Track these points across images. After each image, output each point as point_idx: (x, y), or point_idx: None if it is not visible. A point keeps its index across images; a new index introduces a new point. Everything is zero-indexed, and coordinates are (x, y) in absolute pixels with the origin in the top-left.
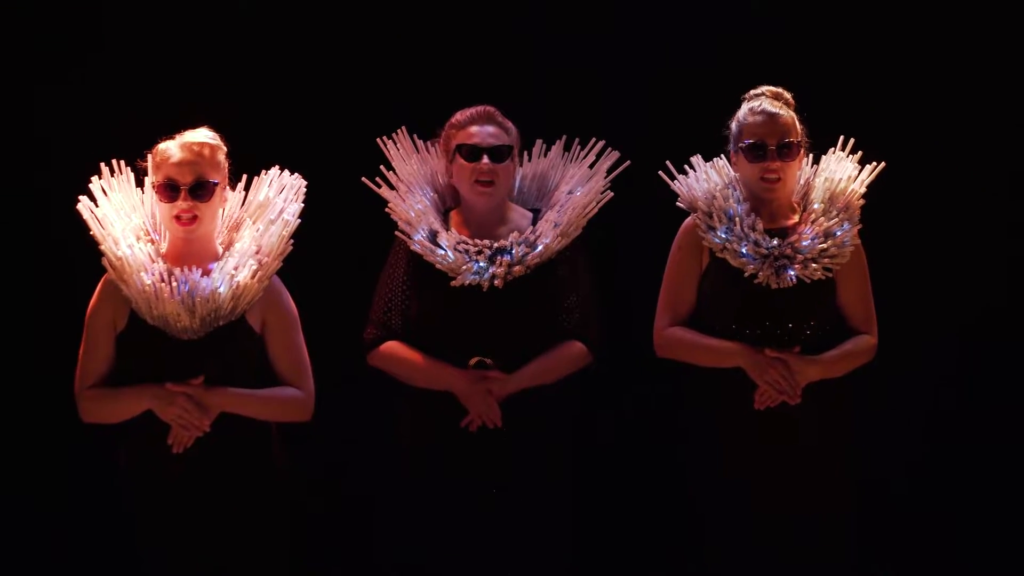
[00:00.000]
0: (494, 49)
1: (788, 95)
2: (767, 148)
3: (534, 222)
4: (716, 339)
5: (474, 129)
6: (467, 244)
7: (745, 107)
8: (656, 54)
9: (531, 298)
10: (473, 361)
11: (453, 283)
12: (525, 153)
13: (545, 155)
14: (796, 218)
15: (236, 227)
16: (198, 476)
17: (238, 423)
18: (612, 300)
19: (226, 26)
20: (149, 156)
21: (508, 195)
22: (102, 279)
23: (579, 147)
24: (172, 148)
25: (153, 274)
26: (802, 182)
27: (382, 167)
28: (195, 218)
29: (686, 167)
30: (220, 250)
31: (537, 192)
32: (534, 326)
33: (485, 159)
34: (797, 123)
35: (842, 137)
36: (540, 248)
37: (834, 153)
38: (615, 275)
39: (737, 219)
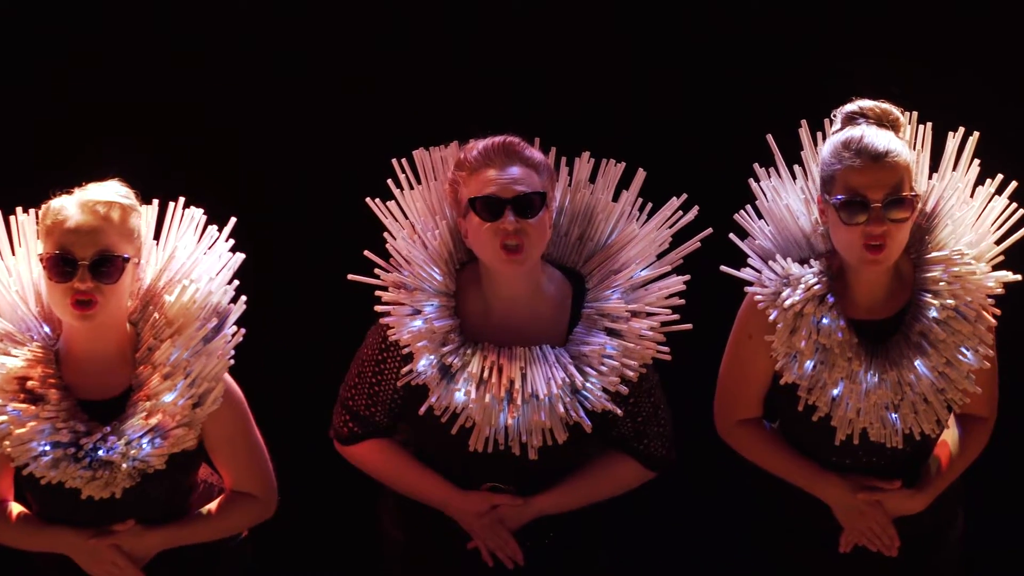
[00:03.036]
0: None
1: (896, 112)
2: (870, 206)
3: (577, 300)
4: (798, 461)
5: (491, 174)
6: (491, 382)
7: (837, 140)
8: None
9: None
10: (487, 486)
11: (470, 446)
12: (563, 163)
13: (592, 178)
14: (904, 295)
15: (152, 321)
16: None
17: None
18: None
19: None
20: (35, 216)
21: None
22: None
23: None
24: (68, 208)
25: (43, 445)
26: (919, 214)
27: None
28: (94, 303)
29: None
30: (129, 329)
31: (579, 242)
32: (569, 446)
33: (510, 215)
34: (912, 160)
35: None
36: (596, 397)
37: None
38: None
39: (827, 334)
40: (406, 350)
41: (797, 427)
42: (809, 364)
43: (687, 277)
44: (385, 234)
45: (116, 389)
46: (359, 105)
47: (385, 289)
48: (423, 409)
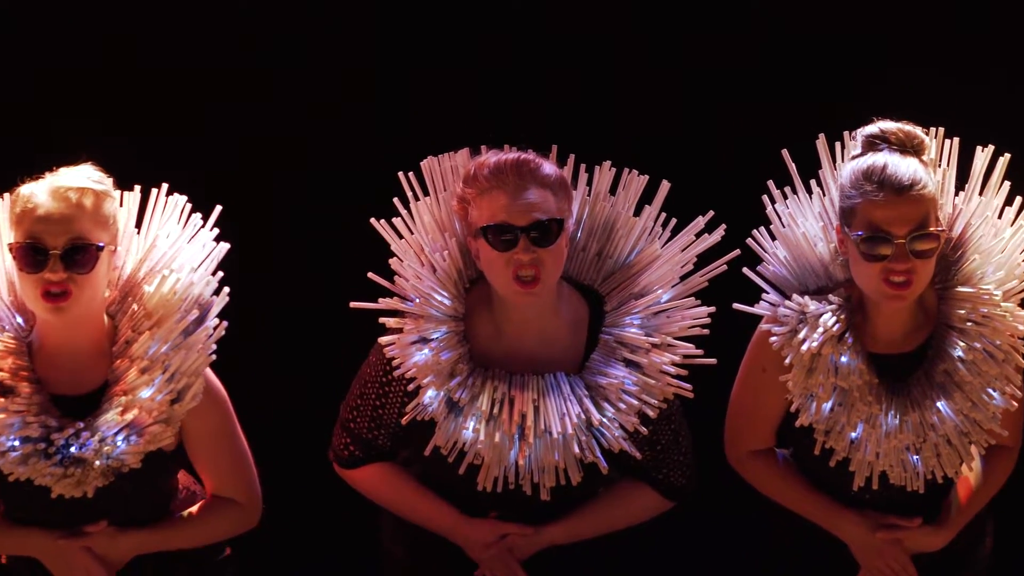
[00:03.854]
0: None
1: (920, 134)
2: (893, 242)
3: (594, 323)
4: (815, 495)
5: (503, 199)
6: (502, 419)
7: (858, 169)
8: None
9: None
10: (494, 515)
11: (479, 485)
12: (583, 170)
13: (612, 190)
14: (927, 328)
15: (130, 313)
16: None
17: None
18: None
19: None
20: (5, 203)
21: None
22: None
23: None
24: (38, 195)
25: (12, 440)
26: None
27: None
28: (67, 295)
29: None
30: (107, 326)
31: (598, 258)
32: (584, 485)
33: (524, 245)
34: (937, 190)
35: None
36: (613, 435)
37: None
38: None
39: (846, 373)
40: (411, 386)
41: (812, 462)
42: (827, 406)
43: (712, 309)
44: (392, 261)
45: (92, 384)
46: (361, 94)
47: (391, 314)
48: (428, 450)
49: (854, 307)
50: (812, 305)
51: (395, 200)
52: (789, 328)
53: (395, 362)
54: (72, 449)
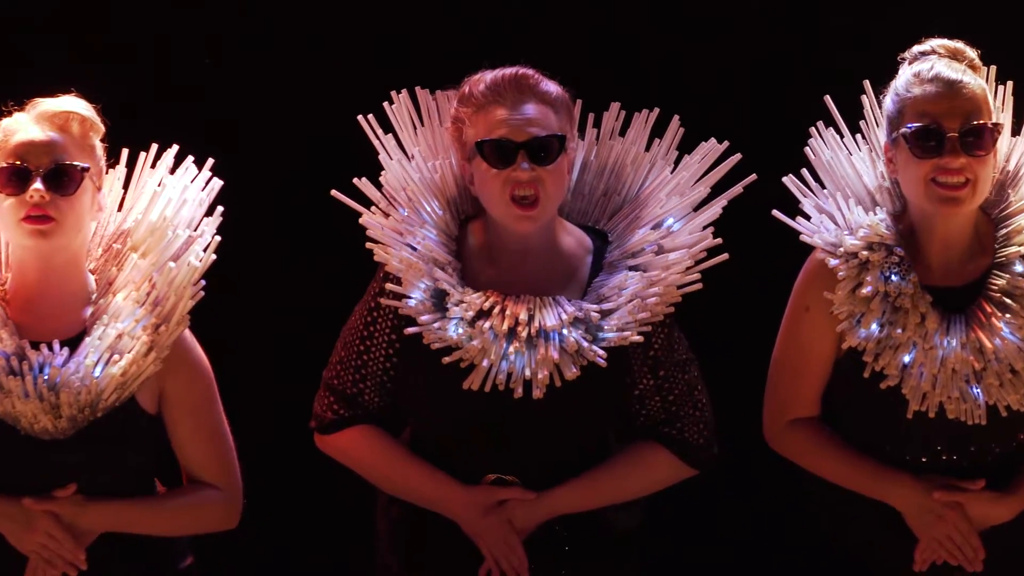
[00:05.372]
0: None
1: (972, 53)
2: (944, 135)
3: (598, 256)
4: (861, 459)
5: (501, 113)
6: (494, 314)
7: (907, 72)
8: None
9: (588, 388)
10: (491, 478)
11: (466, 384)
12: (589, 118)
13: (622, 133)
14: (986, 259)
15: (116, 259)
16: None
17: (131, 545)
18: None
19: None
20: None
21: (561, 206)
22: None
23: (680, 127)
24: (22, 120)
25: None
26: (1000, 172)
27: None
28: (49, 219)
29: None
30: (92, 283)
31: (604, 198)
32: (593, 426)
33: (523, 162)
34: (990, 97)
35: None
36: (614, 332)
37: None
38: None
39: (895, 292)
40: (402, 310)
41: (862, 420)
42: (875, 326)
43: (724, 201)
44: (382, 176)
45: (72, 331)
46: (355, 34)
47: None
48: (411, 330)
49: (905, 236)
50: (859, 213)
51: (387, 107)
52: (835, 239)
53: (377, 256)
54: (46, 371)
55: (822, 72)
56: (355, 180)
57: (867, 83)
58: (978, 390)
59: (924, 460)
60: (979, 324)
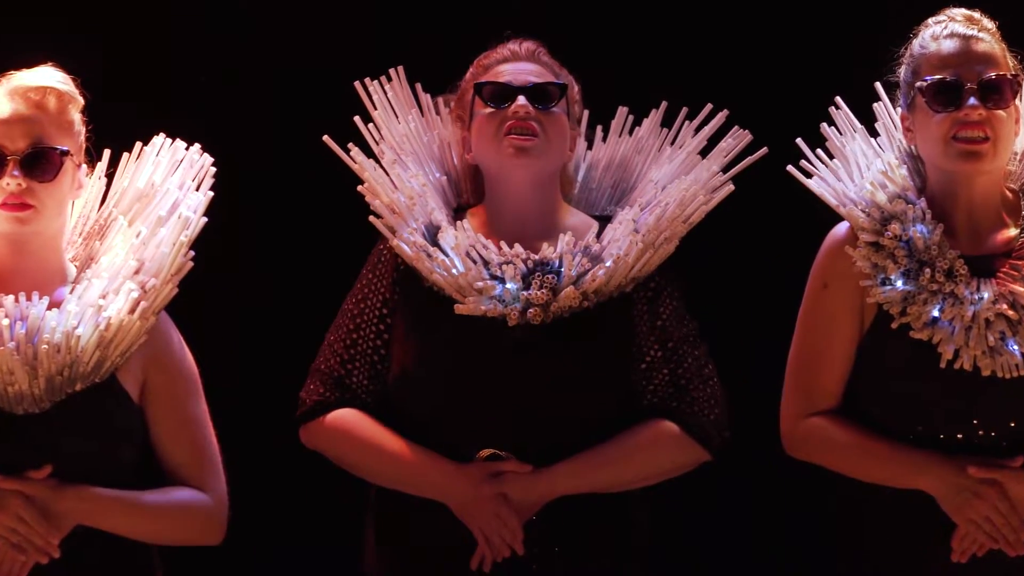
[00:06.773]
0: None
1: (988, 22)
2: (962, 87)
3: (602, 230)
4: (887, 443)
5: (504, 66)
6: (487, 248)
7: (924, 33)
8: None
9: (590, 349)
10: (485, 453)
11: (458, 308)
12: (598, 128)
13: (631, 132)
14: (1013, 230)
15: (99, 233)
16: None
17: (110, 546)
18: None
19: None
20: None
21: (565, 187)
22: None
23: (686, 120)
24: None
25: None
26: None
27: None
28: (28, 206)
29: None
30: (72, 269)
31: (612, 190)
32: (596, 396)
33: (521, 99)
34: (1008, 57)
35: None
36: (609, 264)
37: None
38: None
39: (921, 245)
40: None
41: (890, 402)
42: (900, 280)
43: (731, 188)
44: (368, 125)
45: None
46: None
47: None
48: (397, 244)
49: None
50: (878, 164)
51: (359, 84)
52: (853, 196)
53: (367, 197)
54: (23, 325)
55: (838, 56)
56: (349, 145)
57: (879, 85)
58: (1015, 344)
59: (960, 437)
60: (1011, 279)
